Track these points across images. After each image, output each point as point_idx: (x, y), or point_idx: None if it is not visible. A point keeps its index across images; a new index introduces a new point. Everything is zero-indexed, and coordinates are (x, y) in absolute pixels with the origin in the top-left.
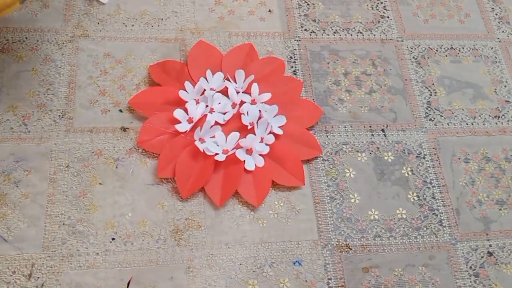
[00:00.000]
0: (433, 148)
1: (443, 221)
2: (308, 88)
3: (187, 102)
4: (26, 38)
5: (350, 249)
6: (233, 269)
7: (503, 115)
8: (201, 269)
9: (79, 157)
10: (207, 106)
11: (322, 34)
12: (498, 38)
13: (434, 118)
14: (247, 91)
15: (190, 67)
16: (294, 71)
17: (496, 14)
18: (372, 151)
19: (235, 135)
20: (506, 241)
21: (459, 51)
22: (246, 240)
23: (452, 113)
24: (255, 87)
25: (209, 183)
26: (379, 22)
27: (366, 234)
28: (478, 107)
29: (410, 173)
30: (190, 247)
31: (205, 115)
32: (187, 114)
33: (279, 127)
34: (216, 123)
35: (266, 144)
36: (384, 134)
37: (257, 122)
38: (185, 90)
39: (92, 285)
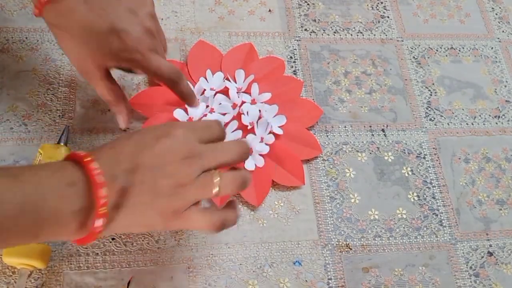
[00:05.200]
0: (433, 148)
1: (443, 221)
2: (308, 88)
3: None
4: (26, 38)
5: (350, 249)
6: (233, 269)
7: (503, 115)
8: (201, 269)
9: None
10: (207, 106)
11: (322, 34)
12: (498, 38)
13: (434, 118)
14: (247, 91)
15: (190, 67)
16: (294, 71)
17: (496, 14)
18: (372, 151)
19: (235, 134)
20: (506, 241)
21: (459, 51)
22: (246, 240)
23: (452, 113)
24: (255, 87)
25: None
26: (379, 22)
27: (366, 234)
28: (478, 107)
29: (410, 173)
30: (190, 247)
31: (205, 115)
32: (187, 114)
33: (279, 127)
34: None
35: (266, 144)
36: (384, 134)
37: (257, 122)
38: None
39: (92, 285)
